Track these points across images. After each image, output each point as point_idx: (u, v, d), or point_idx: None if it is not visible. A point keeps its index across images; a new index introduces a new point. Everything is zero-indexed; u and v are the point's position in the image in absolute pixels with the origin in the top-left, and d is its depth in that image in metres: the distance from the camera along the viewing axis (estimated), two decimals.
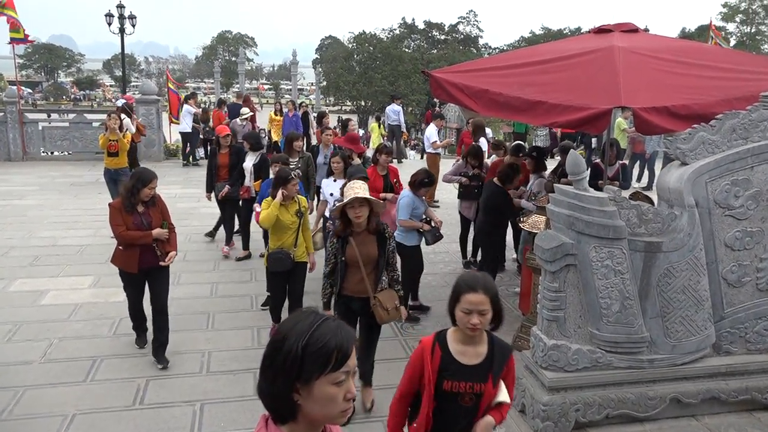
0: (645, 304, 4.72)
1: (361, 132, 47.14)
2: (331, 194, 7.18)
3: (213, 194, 9.03)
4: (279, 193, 5.88)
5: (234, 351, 6.10)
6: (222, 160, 8.94)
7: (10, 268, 8.38)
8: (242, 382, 5.50)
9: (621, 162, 8.29)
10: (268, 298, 7.09)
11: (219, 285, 7.96)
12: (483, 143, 11.53)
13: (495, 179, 7.16)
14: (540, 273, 5.83)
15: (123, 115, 14.68)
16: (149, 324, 6.03)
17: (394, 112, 19.35)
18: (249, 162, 8.69)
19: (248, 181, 8.70)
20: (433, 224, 6.90)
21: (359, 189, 4.51)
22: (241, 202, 9.02)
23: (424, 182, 6.85)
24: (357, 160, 8.27)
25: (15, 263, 8.58)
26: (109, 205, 5.60)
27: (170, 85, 17.08)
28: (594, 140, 18.05)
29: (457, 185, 8.78)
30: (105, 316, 6.86)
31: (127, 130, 14.28)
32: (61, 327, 6.57)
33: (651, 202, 5.77)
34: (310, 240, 6.25)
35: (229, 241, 9.25)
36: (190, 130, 16.71)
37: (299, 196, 6.17)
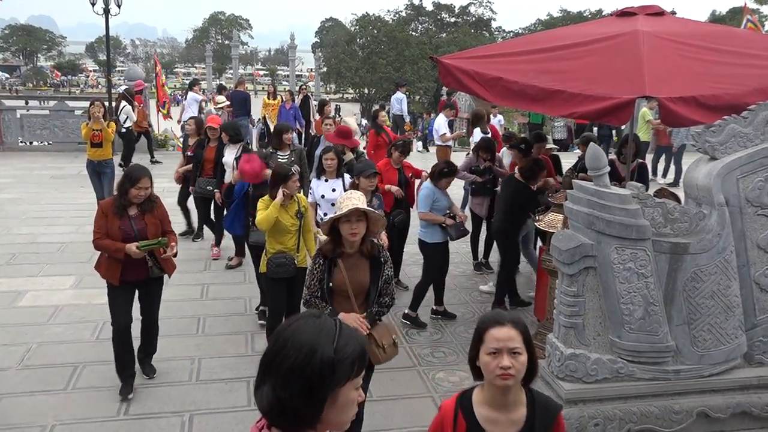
0: (670, 311, 4.71)
1: (364, 122, 47.35)
2: (323, 196, 6.93)
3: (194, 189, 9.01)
4: (280, 193, 5.81)
5: (226, 358, 6.12)
6: (208, 155, 8.83)
7: None
8: (235, 392, 5.51)
9: (639, 161, 8.10)
10: (262, 306, 7.02)
11: (210, 286, 7.98)
12: (477, 135, 11.50)
13: (516, 174, 7.17)
14: (556, 276, 5.84)
15: (123, 102, 14.74)
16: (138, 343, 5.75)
17: (398, 100, 19.36)
18: (229, 156, 8.42)
19: (229, 176, 8.36)
20: (456, 219, 6.91)
21: (357, 200, 4.02)
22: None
23: (444, 172, 6.85)
24: (350, 155, 8.18)
25: None
26: (98, 203, 5.35)
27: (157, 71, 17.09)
28: (614, 132, 18.01)
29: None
30: (87, 319, 6.88)
31: (127, 118, 14.33)
32: (40, 330, 6.59)
33: (677, 199, 5.76)
34: (312, 242, 6.17)
35: (219, 242, 9.22)
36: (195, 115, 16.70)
37: (299, 194, 6.13)
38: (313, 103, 18.39)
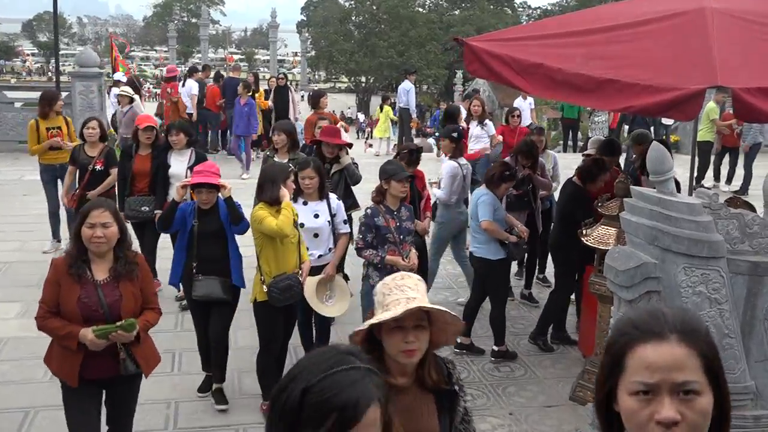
0: (749, 344, 4.76)
1: (361, 117, 47.46)
2: (302, 225, 6.28)
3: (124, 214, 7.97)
4: (285, 190, 5.76)
5: (208, 401, 6.15)
6: (140, 166, 8.19)
7: None
8: None
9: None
10: (261, 357, 6.21)
11: (186, 315, 7.98)
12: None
13: (575, 177, 7.34)
14: (607, 301, 5.90)
15: (129, 90, 14.78)
16: None
17: (404, 91, 19.46)
18: (179, 165, 8.03)
19: (174, 193, 7.36)
20: (515, 233, 7.08)
21: (413, 288, 2.75)
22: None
23: (505, 176, 6.98)
24: (346, 159, 7.76)
25: None
26: (51, 262, 4.43)
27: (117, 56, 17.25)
28: (652, 129, 17.97)
29: None
30: (38, 354, 6.75)
31: (130, 109, 14.47)
32: None
33: (753, 210, 5.82)
34: (306, 253, 6.20)
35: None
36: (190, 111, 16.91)
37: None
38: (295, 96, 17.84)
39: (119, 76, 15.78)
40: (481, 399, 6.35)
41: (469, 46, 6.45)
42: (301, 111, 17.75)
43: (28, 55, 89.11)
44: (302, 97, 31.55)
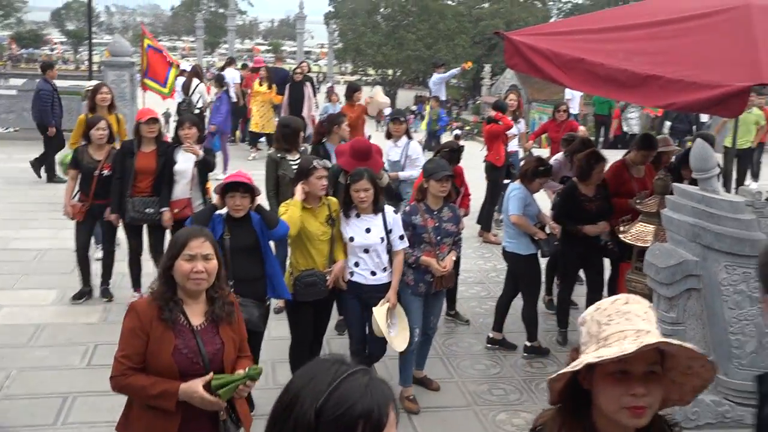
0: None
1: (387, 111, 47.26)
2: (352, 239, 5.89)
3: (123, 216, 7.73)
4: (299, 189, 5.75)
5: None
6: (143, 163, 7.59)
7: None
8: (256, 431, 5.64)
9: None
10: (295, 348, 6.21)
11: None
12: None
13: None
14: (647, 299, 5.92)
15: (195, 80, 14.98)
16: None
17: (434, 84, 19.59)
18: (186, 162, 7.59)
19: (185, 191, 7.61)
20: (548, 230, 7.08)
21: (645, 318, 2.00)
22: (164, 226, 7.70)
23: (540, 171, 6.97)
24: (385, 178, 7.22)
25: None
26: (130, 306, 3.62)
27: (150, 43, 17.35)
28: (694, 128, 17.88)
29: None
30: (75, 341, 7.06)
31: (200, 98, 14.55)
32: (20, 354, 6.78)
33: None
34: (342, 251, 5.98)
35: (137, 285, 8.05)
36: (234, 100, 17.17)
37: (329, 197, 6.02)
38: (311, 91, 16.24)
39: (185, 65, 16.12)
40: (514, 394, 6.40)
41: (509, 39, 6.48)
42: (317, 106, 16.97)
43: (56, 43, 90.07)
44: (327, 88, 31.27)
